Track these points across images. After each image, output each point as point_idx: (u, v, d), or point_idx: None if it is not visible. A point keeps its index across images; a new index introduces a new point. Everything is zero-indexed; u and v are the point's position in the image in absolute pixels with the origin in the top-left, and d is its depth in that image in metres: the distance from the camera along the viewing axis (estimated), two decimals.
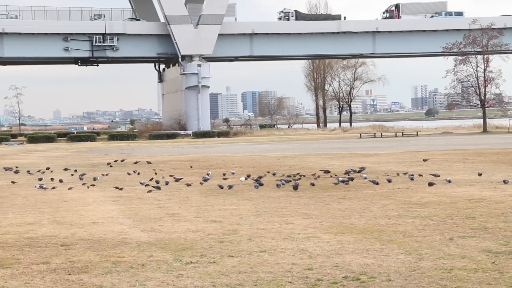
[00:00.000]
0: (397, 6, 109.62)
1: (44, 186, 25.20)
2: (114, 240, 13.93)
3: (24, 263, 11.82)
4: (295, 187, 22.55)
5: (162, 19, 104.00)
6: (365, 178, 25.17)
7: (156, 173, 30.02)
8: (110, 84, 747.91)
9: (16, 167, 35.39)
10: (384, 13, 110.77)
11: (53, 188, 25.05)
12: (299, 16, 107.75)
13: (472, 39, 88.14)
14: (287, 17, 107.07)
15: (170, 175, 28.56)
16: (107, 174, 30.64)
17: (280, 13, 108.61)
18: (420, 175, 25.86)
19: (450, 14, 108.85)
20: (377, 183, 23.47)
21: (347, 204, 18.75)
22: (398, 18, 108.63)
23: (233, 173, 28.93)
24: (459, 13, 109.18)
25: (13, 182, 27.42)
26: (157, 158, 44.25)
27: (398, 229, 14.33)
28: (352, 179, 24.61)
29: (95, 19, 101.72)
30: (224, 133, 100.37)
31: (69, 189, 24.61)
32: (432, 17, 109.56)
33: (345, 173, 27.51)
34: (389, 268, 10.77)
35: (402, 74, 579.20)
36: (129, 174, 30.64)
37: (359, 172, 27.94)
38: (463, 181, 24.20)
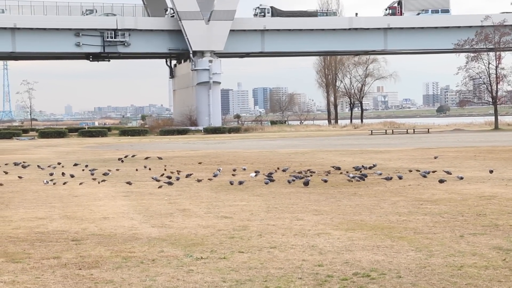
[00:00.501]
0: (399, 2, 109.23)
1: (53, 181, 25.16)
2: (125, 235, 13.96)
3: (35, 257, 11.86)
4: (306, 183, 22.55)
5: (169, 13, 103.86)
6: (380, 174, 25.13)
7: (165, 169, 29.97)
8: (122, 79, 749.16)
9: (24, 162, 35.41)
10: (386, 9, 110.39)
11: (65, 183, 25.10)
12: (275, 12, 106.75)
13: (484, 36, 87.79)
14: (263, 14, 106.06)
15: (177, 171, 28.55)
16: (117, 170, 30.66)
17: (255, 9, 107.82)
18: (434, 171, 25.77)
19: (437, 11, 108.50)
20: (391, 178, 23.56)
21: (357, 200, 18.74)
22: (401, 14, 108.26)
23: (244, 169, 28.86)
24: (446, 11, 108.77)
25: (19, 177, 27.42)
26: (168, 153, 44.28)
27: (408, 226, 14.31)
28: (365, 176, 24.50)
29: (86, 14, 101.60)
30: (235, 129, 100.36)
31: (80, 184, 24.67)
32: (418, 14, 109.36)
33: (355, 170, 27.51)
34: (400, 264, 10.76)
35: (413, 71, 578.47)
36: (136, 170, 30.54)
37: (370, 168, 27.92)
38: (474, 178, 24.14)
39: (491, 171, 25.64)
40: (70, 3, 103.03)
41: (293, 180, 23.44)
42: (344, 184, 23.11)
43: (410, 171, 26.60)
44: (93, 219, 16.19)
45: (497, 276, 9.97)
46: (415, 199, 18.64)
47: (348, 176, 24.58)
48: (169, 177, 25.36)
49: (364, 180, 23.79)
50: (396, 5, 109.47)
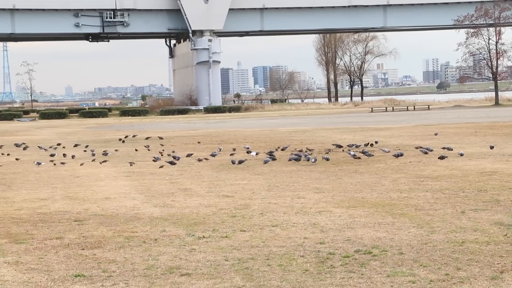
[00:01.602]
0: None
1: (42, 164, 25.03)
2: (127, 215, 14.00)
3: (38, 238, 11.90)
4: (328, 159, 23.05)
5: None
6: (388, 151, 25.04)
7: (164, 150, 29.72)
8: (121, 60, 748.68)
9: (23, 143, 35.39)
10: None
11: (63, 163, 25.12)
12: None
13: (484, 11, 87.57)
14: None
15: (173, 152, 28.53)
16: (116, 150, 30.63)
17: None
18: (443, 148, 25.62)
19: None
20: (402, 155, 23.65)
21: (358, 178, 18.76)
22: None
23: (247, 148, 28.30)
24: None
25: (17, 159, 27.33)
26: (168, 133, 44.31)
27: (409, 203, 14.34)
28: (367, 154, 24.35)
29: None
30: (235, 108, 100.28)
31: (81, 164, 24.69)
32: None
33: (353, 146, 27.46)
34: (401, 241, 10.79)
35: (413, 48, 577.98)
36: (136, 150, 30.45)
37: (371, 145, 27.95)
38: (475, 154, 24.16)
39: (491, 147, 25.65)
40: None
41: (296, 160, 23.27)
42: (345, 161, 23.13)
43: (417, 148, 26.24)
44: (95, 200, 16.23)
45: (499, 251, 10.01)
46: (416, 176, 18.67)
47: (349, 153, 24.55)
48: (174, 157, 25.23)
49: (372, 155, 23.80)
50: None
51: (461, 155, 23.53)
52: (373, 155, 24.10)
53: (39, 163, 25.02)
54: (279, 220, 12.90)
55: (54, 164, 24.97)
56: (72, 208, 15.07)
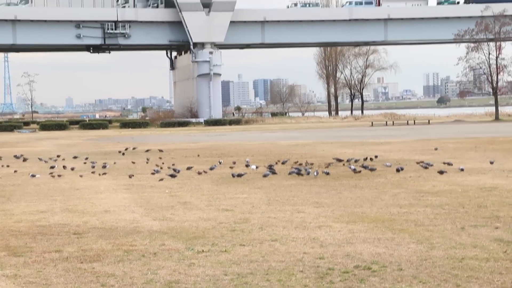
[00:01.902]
0: None
1: (37, 175, 24.97)
2: (126, 228, 13.98)
3: (36, 251, 11.89)
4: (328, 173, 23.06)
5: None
6: (390, 166, 25.04)
7: (163, 163, 29.64)
8: (122, 71, 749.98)
9: (22, 155, 35.34)
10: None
11: (60, 176, 25.11)
12: None
13: (484, 26, 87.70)
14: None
15: (172, 165, 28.51)
16: (114, 163, 30.57)
17: None
18: (444, 163, 25.60)
19: (360, 3, 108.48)
20: (402, 169, 23.63)
21: (358, 192, 18.75)
22: (379, 5, 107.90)
23: (247, 162, 28.18)
24: (369, 2, 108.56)
25: (15, 172, 27.29)
26: (168, 146, 44.29)
27: (409, 218, 14.32)
28: (369, 168, 24.31)
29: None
30: (236, 121, 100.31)
31: (80, 176, 24.68)
32: (343, 6, 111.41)
33: (352, 160, 27.48)
34: (401, 257, 10.78)
35: (414, 62, 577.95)
36: (133, 163, 30.36)
37: (370, 160, 27.93)
38: (475, 169, 24.14)
39: (491, 162, 25.61)
40: None
41: (297, 174, 23.30)
42: (345, 176, 23.11)
43: (418, 163, 26.15)
44: (94, 212, 16.21)
45: (498, 268, 10.00)
46: (416, 191, 18.66)
47: (350, 167, 24.52)
48: (175, 170, 25.20)
49: (371, 171, 23.75)
50: None
51: (462, 170, 23.52)
52: (375, 169, 24.02)
53: (33, 175, 24.94)
54: (278, 234, 12.88)
55: (53, 177, 24.92)
56: (71, 220, 15.05)
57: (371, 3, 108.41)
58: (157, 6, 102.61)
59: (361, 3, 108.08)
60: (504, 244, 11.52)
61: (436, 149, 34.15)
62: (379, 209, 15.67)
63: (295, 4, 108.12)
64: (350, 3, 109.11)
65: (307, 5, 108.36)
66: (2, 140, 61.09)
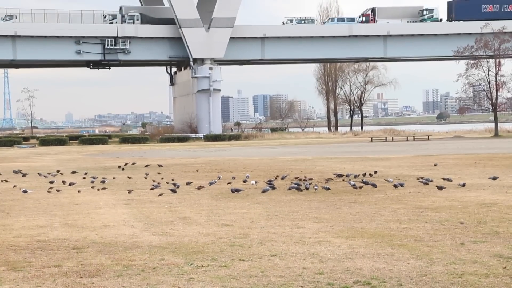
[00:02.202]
0: (373, 10, 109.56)
1: (28, 191, 24.85)
2: (126, 243, 13.97)
3: (36, 266, 11.87)
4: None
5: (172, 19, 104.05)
6: (391, 181, 25.01)
7: (162, 178, 29.64)
8: (122, 87, 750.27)
9: (20, 170, 35.32)
10: (360, 17, 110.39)
11: (58, 190, 25.08)
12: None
13: (484, 43, 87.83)
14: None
15: (172, 180, 28.52)
16: (113, 178, 30.59)
17: None
18: (443, 179, 25.57)
19: (342, 20, 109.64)
20: (402, 185, 23.61)
21: (358, 208, 18.73)
22: (374, 22, 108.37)
23: (247, 177, 28.11)
24: (351, 19, 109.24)
25: (14, 187, 27.24)
26: (168, 161, 44.30)
27: (409, 234, 14.31)
28: (369, 183, 24.30)
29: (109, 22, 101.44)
30: (235, 136, 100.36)
31: (78, 191, 24.65)
32: (324, 23, 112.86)
33: (351, 176, 27.49)
34: (400, 272, 10.77)
35: (413, 78, 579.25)
36: (129, 178, 30.28)
37: (370, 175, 27.92)
38: (475, 185, 24.14)
39: (494, 178, 25.50)
40: (71, 11, 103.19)
41: (296, 189, 23.32)
42: (344, 191, 23.10)
43: (418, 179, 26.14)
44: (93, 227, 16.20)
45: (498, 284, 9.98)
46: (416, 207, 18.64)
47: (350, 183, 24.49)
48: (175, 185, 25.22)
49: (374, 187, 23.70)
50: (369, 12, 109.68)
51: (463, 185, 23.50)
52: (376, 185, 23.95)
53: (25, 191, 24.78)
54: (278, 249, 12.87)
55: (49, 192, 24.82)
56: (70, 235, 15.04)
57: (353, 20, 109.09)
58: (133, 22, 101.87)
59: (343, 20, 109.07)
60: (504, 260, 11.51)
61: (435, 165, 34.15)
62: (378, 225, 15.66)
63: (291, 21, 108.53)
64: (332, 20, 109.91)
65: (303, 22, 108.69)
66: (2, 155, 61.07)
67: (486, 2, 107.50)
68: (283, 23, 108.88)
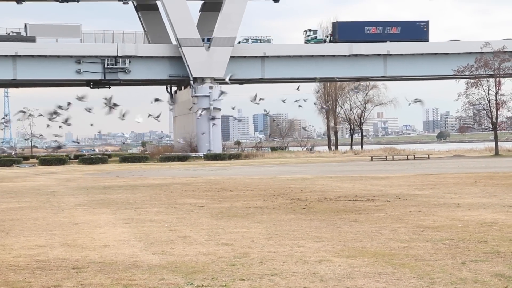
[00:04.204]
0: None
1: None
2: (126, 263, 13.92)
3: (35, 286, 11.83)
4: None
5: (174, 42, 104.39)
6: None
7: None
8: (122, 106, 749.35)
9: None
10: (327, 36, 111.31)
11: (58, 210, 25.07)
12: None
13: (484, 62, 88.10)
14: None
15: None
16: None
17: None
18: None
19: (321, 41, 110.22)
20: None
21: (358, 227, 18.69)
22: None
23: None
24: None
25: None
26: (168, 180, 44.27)
27: (410, 253, 14.27)
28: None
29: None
30: (236, 155, 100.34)
31: (79, 210, 24.62)
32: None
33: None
34: None
35: (413, 97, 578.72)
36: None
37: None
38: (475, 204, 24.11)
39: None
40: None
41: None
42: (344, 210, 23.07)
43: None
44: (93, 247, 16.15)
45: None
46: (416, 226, 18.60)
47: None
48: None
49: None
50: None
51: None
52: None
53: None
54: (278, 269, 12.83)
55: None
56: (70, 255, 14.99)
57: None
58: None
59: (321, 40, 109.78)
60: (505, 279, 11.47)
61: (436, 184, 34.12)
62: (379, 244, 15.62)
63: (246, 40, 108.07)
64: (308, 41, 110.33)
65: (259, 41, 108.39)
66: (1, 175, 61.04)
67: (370, 24, 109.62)
68: (239, 42, 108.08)
